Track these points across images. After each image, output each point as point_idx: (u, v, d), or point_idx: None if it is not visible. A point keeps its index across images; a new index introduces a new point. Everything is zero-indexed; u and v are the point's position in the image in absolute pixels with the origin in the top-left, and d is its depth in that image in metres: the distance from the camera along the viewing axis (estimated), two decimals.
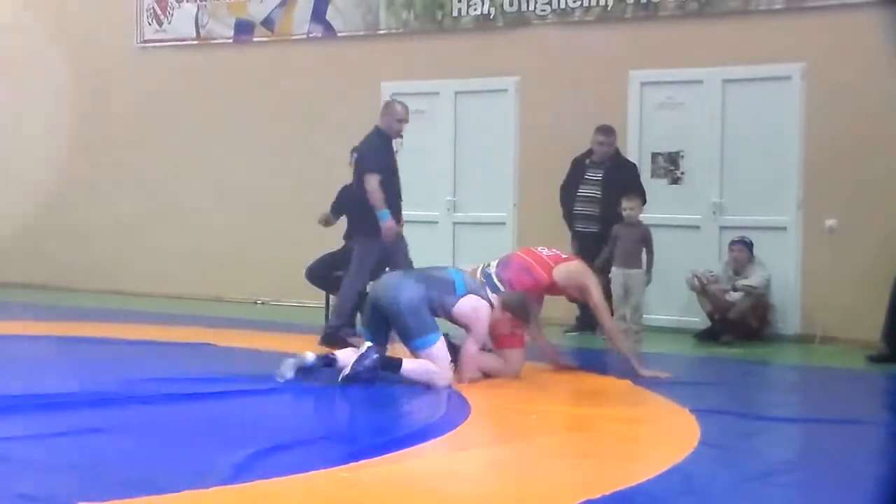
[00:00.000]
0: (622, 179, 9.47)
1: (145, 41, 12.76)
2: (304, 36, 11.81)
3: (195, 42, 12.50)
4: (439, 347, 6.77)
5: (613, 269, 9.11)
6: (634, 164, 9.75)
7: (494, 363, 7.20)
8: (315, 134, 11.62)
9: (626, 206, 8.98)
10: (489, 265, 7.47)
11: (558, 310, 10.03)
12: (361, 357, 6.64)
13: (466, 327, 7.01)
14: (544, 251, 7.60)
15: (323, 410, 6.32)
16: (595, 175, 9.57)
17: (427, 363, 6.73)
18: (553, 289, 7.50)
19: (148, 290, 12.45)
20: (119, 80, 12.82)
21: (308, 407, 6.33)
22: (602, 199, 9.48)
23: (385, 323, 6.88)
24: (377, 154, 8.45)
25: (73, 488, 4.25)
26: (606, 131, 9.61)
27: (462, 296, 6.92)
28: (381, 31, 11.41)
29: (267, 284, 11.76)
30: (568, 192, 9.69)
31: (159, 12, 12.67)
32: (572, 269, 7.49)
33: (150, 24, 12.74)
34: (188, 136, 12.40)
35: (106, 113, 12.86)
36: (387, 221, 8.25)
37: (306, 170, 11.52)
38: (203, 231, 12.25)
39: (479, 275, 7.38)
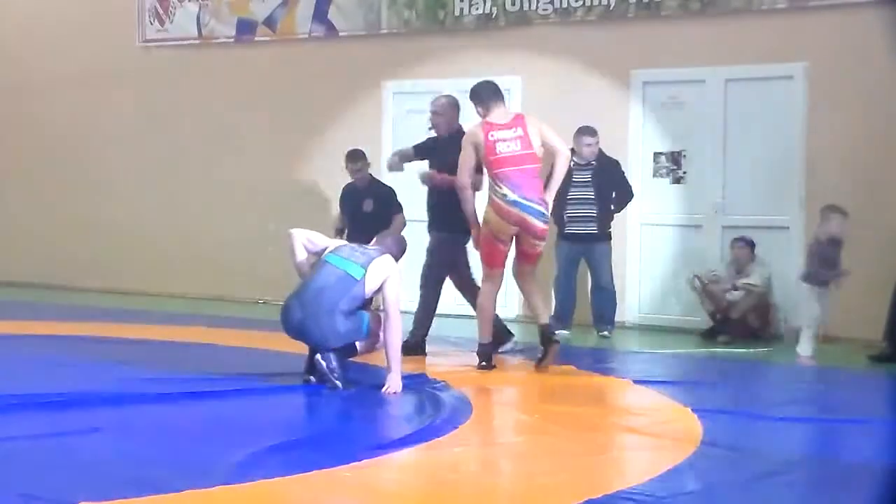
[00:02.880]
0: (609, 178, 9.60)
1: (147, 40, 12.74)
2: (306, 35, 11.80)
3: (197, 41, 12.49)
4: (373, 320, 6.75)
5: (807, 285, 8.61)
6: (618, 161, 9.78)
7: None
8: (317, 133, 11.62)
9: (838, 219, 8.46)
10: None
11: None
12: (325, 360, 6.60)
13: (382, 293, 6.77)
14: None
15: (324, 410, 6.31)
16: (584, 177, 9.58)
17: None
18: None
19: (149, 290, 12.44)
20: (120, 79, 12.80)
21: (309, 406, 6.31)
22: (596, 199, 9.52)
23: None
24: None
25: (75, 488, 4.25)
26: (593, 132, 9.64)
27: (363, 276, 6.67)
28: (383, 31, 11.40)
29: (269, 284, 11.74)
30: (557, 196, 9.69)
31: (161, 11, 12.66)
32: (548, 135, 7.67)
33: (151, 24, 12.73)
34: (190, 136, 12.39)
35: (107, 112, 12.86)
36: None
37: (308, 169, 11.51)
38: (205, 230, 12.24)
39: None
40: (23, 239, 13.33)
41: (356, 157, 9.71)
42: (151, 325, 9.50)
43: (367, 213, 9.59)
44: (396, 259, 6.99)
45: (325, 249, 6.92)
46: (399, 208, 9.71)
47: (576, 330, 9.65)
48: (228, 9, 12.27)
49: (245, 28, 12.18)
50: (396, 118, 11.37)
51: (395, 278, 6.74)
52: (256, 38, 12.12)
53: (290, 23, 11.90)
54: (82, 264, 12.90)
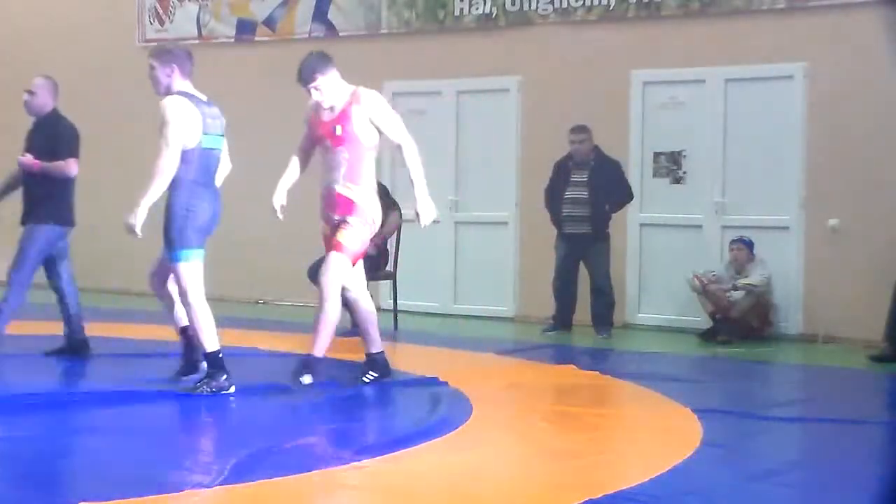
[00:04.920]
0: (607, 178, 9.54)
1: (147, 40, 12.74)
2: (306, 35, 11.80)
3: (197, 41, 12.48)
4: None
5: None
6: (618, 162, 9.76)
7: None
8: None
9: None
10: None
11: (535, 308, 10.09)
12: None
13: None
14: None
15: (324, 410, 6.30)
16: (580, 176, 9.59)
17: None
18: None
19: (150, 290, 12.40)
20: (120, 79, 12.79)
21: (309, 407, 6.31)
22: (590, 199, 9.50)
23: None
24: None
25: (75, 487, 4.25)
26: (578, 130, 9.63)
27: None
28: (384, 31, 11.39)
29: (269, 284, 11.75)
30: (553, 195, 9.70)
31: (161, 12, 12.66)
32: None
33: (151, 24, 12.73)
34: None
35: (107, 112, 12.84)
36: None
37: (308, 169, 11.47)
38: None
39: None
40: None
41: None
42: (152, 325, 9.49)
43: None
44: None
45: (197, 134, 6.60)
46: (393, 206, 9.73)
47: (576, 330, 9.66)
48: (228, 9, 12.27)
49: (245, 28, 12.18)
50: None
51: None
52: (256, 38, 12.11)
53: (290, 23, 11.89)
54: (83, 264, 12.85)
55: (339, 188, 6.67)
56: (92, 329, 7.91)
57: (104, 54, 12.87)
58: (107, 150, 12.91)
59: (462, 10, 10.99)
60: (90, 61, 12.92)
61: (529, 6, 10.66)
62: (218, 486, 4.28)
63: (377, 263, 9.69)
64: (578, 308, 9.70)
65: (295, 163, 7.24)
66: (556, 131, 10.14)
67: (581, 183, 9.55)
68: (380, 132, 6.72)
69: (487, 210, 10.86)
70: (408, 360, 8.09)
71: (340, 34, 11.61)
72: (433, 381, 6.82)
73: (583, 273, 9.67)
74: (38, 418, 5.52)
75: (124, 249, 12.68)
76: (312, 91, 6.76)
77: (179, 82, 6.65)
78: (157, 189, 6.35)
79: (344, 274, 6.52)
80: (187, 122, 6.42)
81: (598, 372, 7.54)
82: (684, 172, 10.09)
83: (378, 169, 10.78)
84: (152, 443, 5.16)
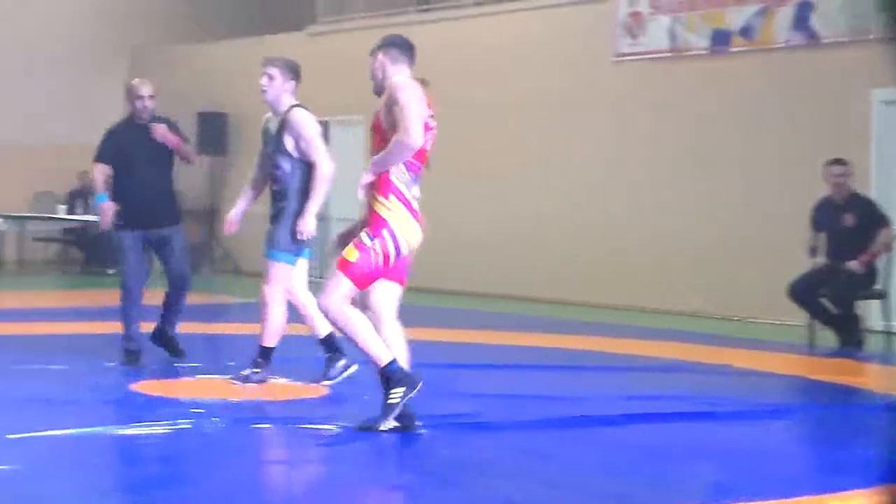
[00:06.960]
0: None
1: (619, 55, 12.77)
2: (783, 44, 11.33)
3: (669, 54, 12.36)
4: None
5: None
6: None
7: None
8: (794, 146, 11.11)
9: None
10: None
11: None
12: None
13: None
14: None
15: (805, 432, 5.94)
16: None
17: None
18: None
19: (617, 302, 12.40)
20: (592, 96, 12.90)
21: (787, 428, 5.96)
22: None
23: None
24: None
25: (555, 500, 4.24)
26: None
27: None
28: (872, 37, 10.67)
29: (746, 300, 11.35)
30: None
31: (633, 25, 12.65)
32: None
33: (624, 38, 12.75)
34: (660, 149, 12.27)
35: (581, 128, 13.01)
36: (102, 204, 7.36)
37: (786, 180, 11.01)
38: (675, 242, 12.04)
39: None
40: (476, 249, 13.69)
41: (840, 163, 9.30)
42: (626, 339, 9.43)
43: (849, 229, 9.06)
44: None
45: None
46: (886, 221, 9.09)
47: None
48: (702, 20, 12.04)
49: (720, 39, 11.90)
50: (886, 129, 10.60)
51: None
52: (731, 49, 11.79)
53: (769, 31, 11.47)
54: (538, 275, 13.08)
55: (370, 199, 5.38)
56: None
57: (578, 71, 13.04)
58: (577, 164, 13.09)
59: None
60: (564, 79, 13.13)
61: None
62: None
63: (866, 282, 9.06)
64: None
65: None
66: None
67: None
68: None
69: None
70: None
71: (823, 41, 11.03)
72: None
73: None
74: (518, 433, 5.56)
75: (599, 258, 12.78)
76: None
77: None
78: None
79: (341, 297, 5.23)
80: None
81: None
82: None
83: (864, 183, 10.20)
84: (636, 458, 5.11)
